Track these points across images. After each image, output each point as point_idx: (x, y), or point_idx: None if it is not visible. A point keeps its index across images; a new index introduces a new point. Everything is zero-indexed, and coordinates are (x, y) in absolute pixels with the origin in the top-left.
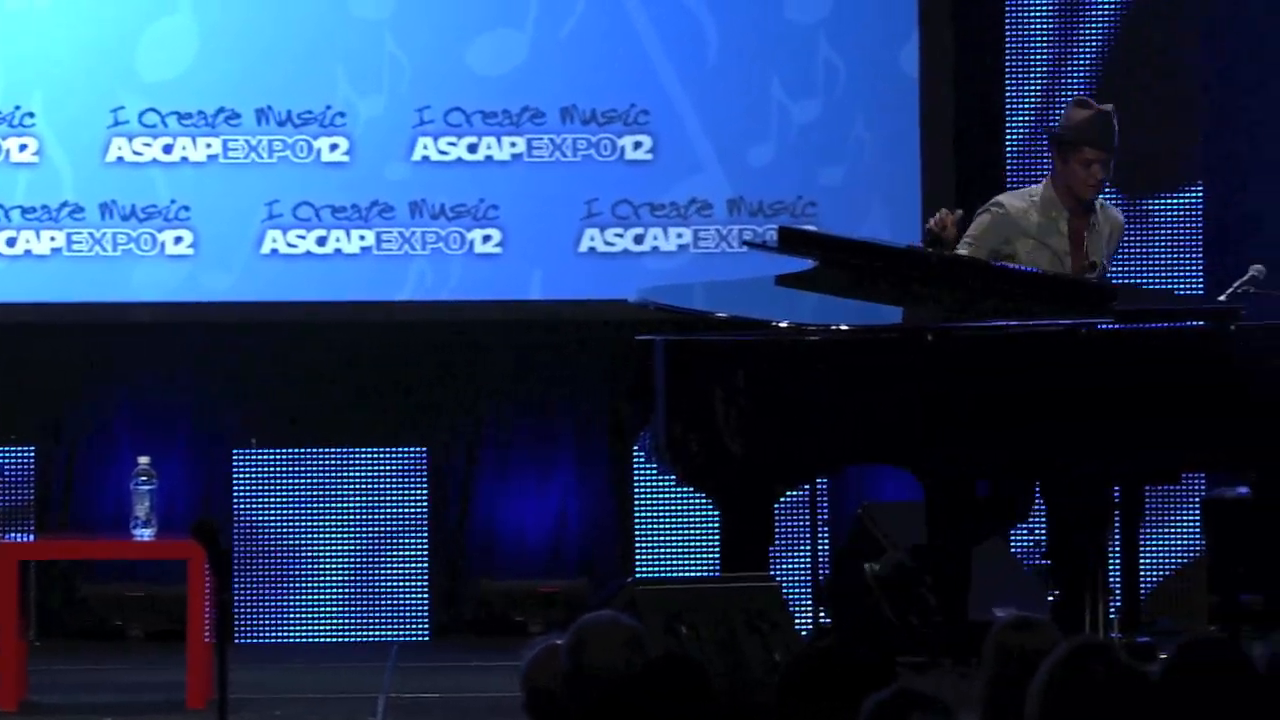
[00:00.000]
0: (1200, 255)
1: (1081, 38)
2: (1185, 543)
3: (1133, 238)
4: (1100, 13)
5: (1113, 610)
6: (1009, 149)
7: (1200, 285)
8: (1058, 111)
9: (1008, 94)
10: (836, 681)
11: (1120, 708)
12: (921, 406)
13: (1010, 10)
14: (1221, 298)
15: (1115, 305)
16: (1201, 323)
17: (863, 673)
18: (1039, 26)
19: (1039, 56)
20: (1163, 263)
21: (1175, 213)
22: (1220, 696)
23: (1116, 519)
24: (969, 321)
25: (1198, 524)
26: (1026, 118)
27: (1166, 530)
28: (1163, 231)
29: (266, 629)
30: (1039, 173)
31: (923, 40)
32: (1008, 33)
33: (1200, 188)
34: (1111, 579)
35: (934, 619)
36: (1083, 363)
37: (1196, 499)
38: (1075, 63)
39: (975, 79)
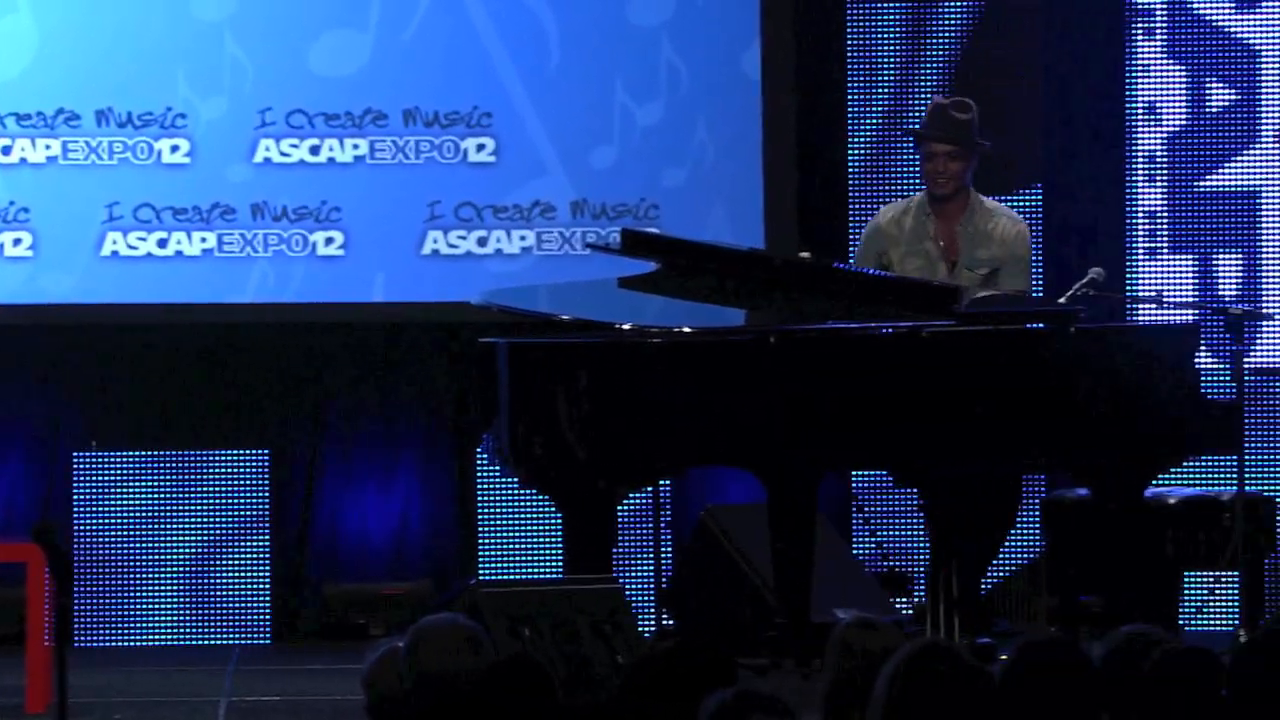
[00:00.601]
0: (1040, 257)
1: (925, 42)
2: (1025, 544)
3: None
4: (943, 18)
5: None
6: (852, 153)
7: (1040, 287)
8: (903, 115)
9: (850, 97)
10: (678, 682)
11: (963, 708)
12: (764, 408)
13: (851, 14)
14: (1061, 300)
15: (958, 307)
16: (1041, 325)
17: (704, 673)
18: (882, 31)
19: (882, 61)
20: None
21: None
22: (1060, 696)
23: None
24: (812, 324)
25: (1038, 525)
26: (870, 121)
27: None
28: None
29: (107, 632)
30: (884, 177)
31: (764, 43)
32: (849, 36)
33: (1039, 190)
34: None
35: (776, 620)
36: (924, 364)
37: (1036, 500)
38: (919, 67)
39: (817, 83)
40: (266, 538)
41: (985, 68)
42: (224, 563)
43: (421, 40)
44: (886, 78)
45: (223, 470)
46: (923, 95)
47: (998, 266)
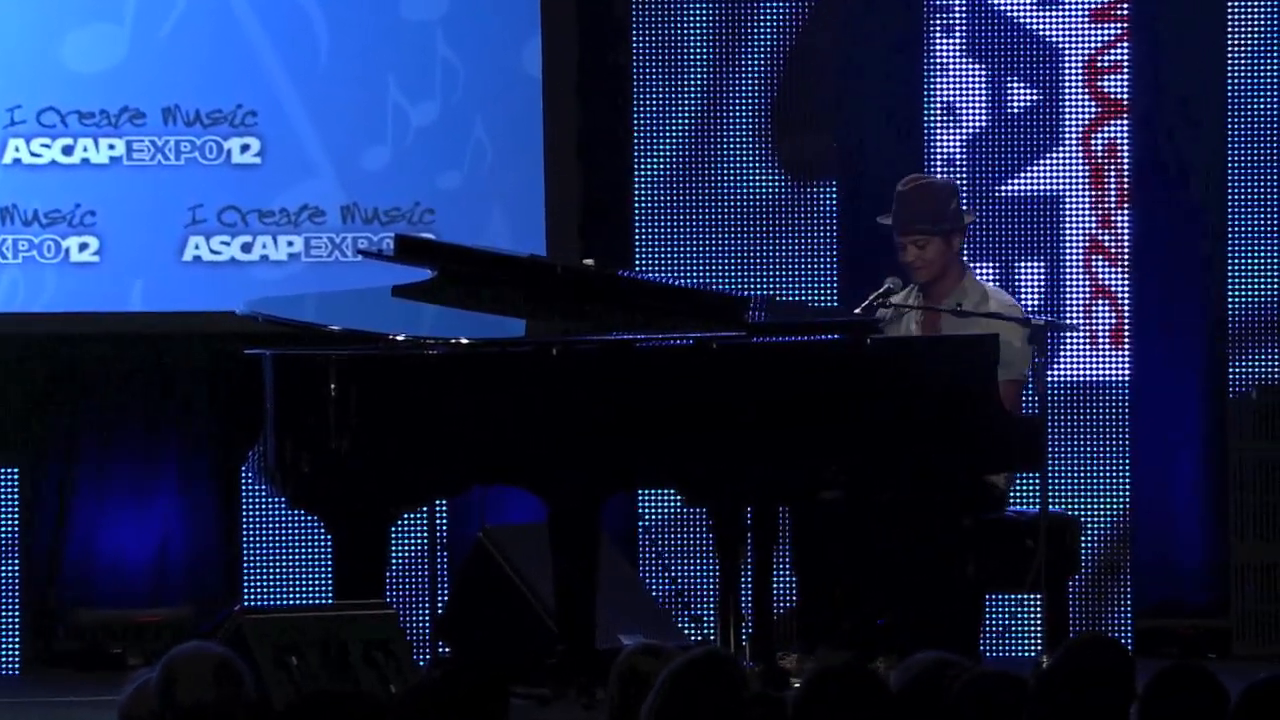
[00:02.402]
0: (835, 264)
1: (719, 35)
2: None
3: (770, 246)
4: (739, 9)
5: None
6: (637, 155)
7: (834, 296)
8: (695, 113)
9: (636, 95)
10: (448, 712)
11: None
12: (545, 423)
13: (636, 6)
14: (856, 310)
15: (750, 318)
16: (835, 336)
17: (475, 703)
18: (671, 23)
19: (672, 55)
20: (796, 271)
21: (813, 225)
22: None
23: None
24: (596, 335)
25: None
26: (659, 121)
27: None
28: (797, 240)
29: None
30: (673, 182)
31: (545, 38)
32: (635, 30)
33: (834, 188)
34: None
35: (558, 648)
36: (713, 377)
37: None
38: (713, 61)
39: (602, 79)
40: (15, 561)
41: (787, 62)
42: None
43: (182, 34)
44: (677, 73)
45: None
46: (717, 91)
47: None
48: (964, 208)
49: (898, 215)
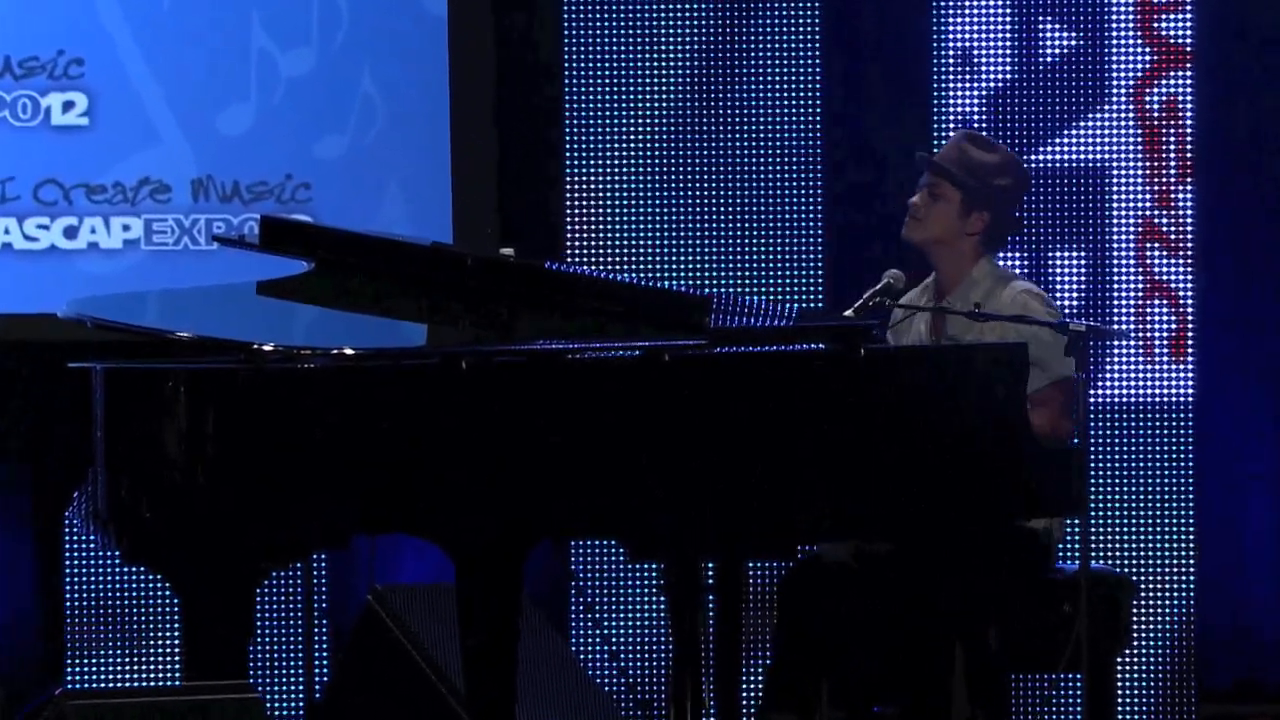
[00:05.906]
0: (819, 257)
1: None
2: None
3: (738, 232)
4: None
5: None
6: (569, 115)
7: (819, 297)
8: (641, 66)
9: (567, 40)
10: None
11: None
12: (452, 456)
13: None
14: (848, 312)
15: (713, 322)
16: (821, 345)
17: None
18: None
19: None
20: (772, 264)
21: (793, 206)
22: None
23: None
24: (517, 344)
25: None
26: (594, 74)
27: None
28: (780, 230)
29: None
30: (610, 148)
31: None
32: None
33: (820, 159)
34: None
35: None
36: (665, 397)
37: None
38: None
39: (523, 21)
40: None
41: (755, 7)
42: None
43: None
44: (620, 9)
45: None
46: (671, 33)
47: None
48: (1020, 203)
49: (945, 151)
